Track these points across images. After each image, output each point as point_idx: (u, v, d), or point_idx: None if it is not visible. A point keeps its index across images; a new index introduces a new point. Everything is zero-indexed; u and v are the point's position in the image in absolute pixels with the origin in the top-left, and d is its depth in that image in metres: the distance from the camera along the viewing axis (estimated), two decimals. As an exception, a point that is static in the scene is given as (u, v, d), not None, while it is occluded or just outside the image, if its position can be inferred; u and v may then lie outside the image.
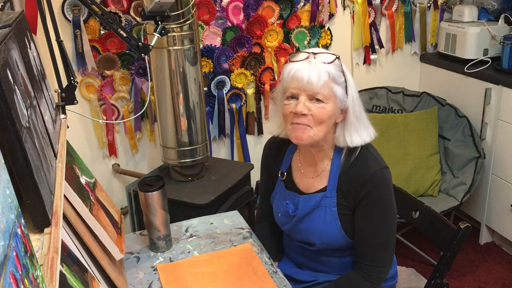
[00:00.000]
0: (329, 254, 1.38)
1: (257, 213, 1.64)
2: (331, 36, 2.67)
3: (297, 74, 1.22)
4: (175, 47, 1.96)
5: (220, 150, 2.64)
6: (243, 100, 2.56)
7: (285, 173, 1.42)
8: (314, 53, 1.24)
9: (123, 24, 2.22)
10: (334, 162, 1.31)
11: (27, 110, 0.81)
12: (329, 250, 1.36)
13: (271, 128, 1.42)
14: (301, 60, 1.23)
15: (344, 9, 2.68)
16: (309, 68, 1.21)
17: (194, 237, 1.54)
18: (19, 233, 0.58)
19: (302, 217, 1.35)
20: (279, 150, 1.45)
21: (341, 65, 1.25)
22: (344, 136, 1.28)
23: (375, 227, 1.28)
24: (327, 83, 1.21)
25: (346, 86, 1.24)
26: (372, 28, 2.75)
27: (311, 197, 1.34)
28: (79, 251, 1.04)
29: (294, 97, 1.24)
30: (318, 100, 1.22)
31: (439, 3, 2.85)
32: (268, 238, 1.52)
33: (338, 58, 1.24)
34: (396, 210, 1.32)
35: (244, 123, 2.62)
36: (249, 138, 2.67)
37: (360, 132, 1.28)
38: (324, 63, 1.21)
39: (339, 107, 1.24)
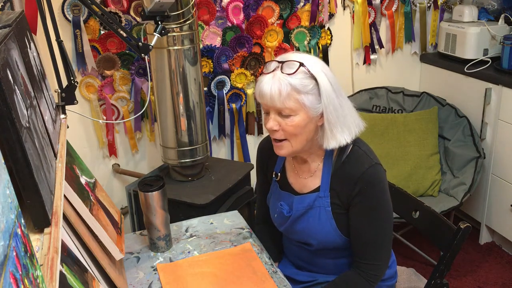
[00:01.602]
0: (327, 255, 1.38)
1: (256, 214, 1.64)
2: (331, 36, 2.67)
3: (262, 89, 1.20)
4: (175, 47, 1.96)
5: (220, 150, 2.64)
6: (243, 100, 2.56)
7: (279, 174, 1.42)
8: (283, 62, 1.20)
9: (123, 24, 2.22)
10: (326, 161, 1.31)
11: (27, 110, 0.81)
12: (326, 250, 1.36)
13: None
14: (269, 73, 1.20)
15: (344, 9, 2.68)
16: (271, 83, 1.18)
17: (194, 237, 1.54)
18: (19, 233, 0.58)
19: (297, 218, 1.35)
20: (273, 150, 1.44)
21: (308, 71, 1.19)
22: (323, 140, 1.26)
23: (370, 225, 1.28)
24: (291, 96, 1.17)
25: (319, 90, 1.19)
26: (372, 28, 2.75)
27: (305, 197, 1.34)
28: (79, 251, 1.04)
29: (267, 112, 1.24)
30: (285, 115, 1.20)
31: (439, 3, 2.85)
32: (268, 239, 1.52)
33: (302, 65, 1.19)
34: (391, 206, 1.31)
35: (244, 123, 2.62)
36: (249, 138, 2.67)
37: (336, 135, 1.23)
38: (288, 74, 1.18)
39: (312, 114, 1.21)
